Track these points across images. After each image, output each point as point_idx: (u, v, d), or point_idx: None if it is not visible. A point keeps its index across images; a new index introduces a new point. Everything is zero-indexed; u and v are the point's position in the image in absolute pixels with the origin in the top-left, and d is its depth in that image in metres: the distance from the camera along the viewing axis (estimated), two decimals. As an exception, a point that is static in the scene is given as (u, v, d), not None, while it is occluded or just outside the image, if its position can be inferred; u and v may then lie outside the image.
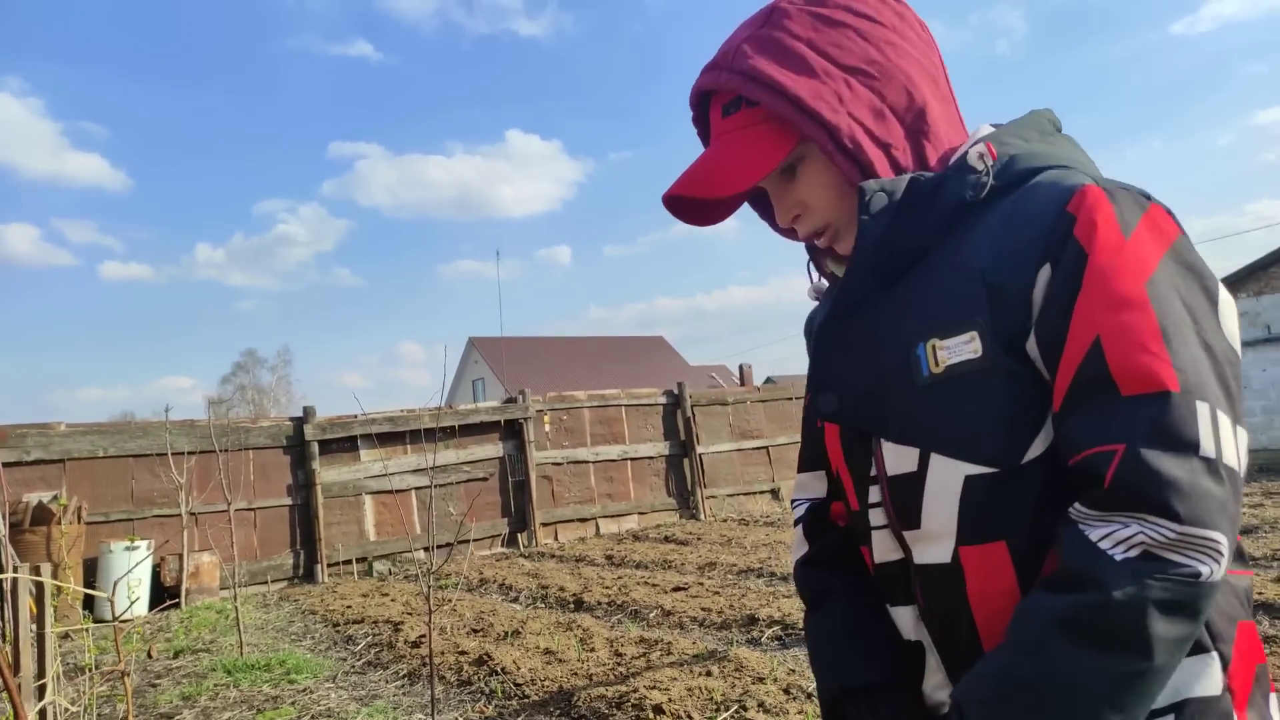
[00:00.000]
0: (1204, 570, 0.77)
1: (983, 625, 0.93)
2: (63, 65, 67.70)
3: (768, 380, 27.32)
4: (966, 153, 0.96)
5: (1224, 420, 0.81)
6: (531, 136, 69.06)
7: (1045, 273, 0.87)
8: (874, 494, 1.01)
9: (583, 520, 12.25)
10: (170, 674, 5.99)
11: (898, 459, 0.97)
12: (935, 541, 0.95)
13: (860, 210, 0.95)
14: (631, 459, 12.81)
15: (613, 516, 12.47)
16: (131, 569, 3.90)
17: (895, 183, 0.96)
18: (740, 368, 15.98)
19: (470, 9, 67.01)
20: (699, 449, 13.20)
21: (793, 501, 1.26)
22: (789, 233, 1.13)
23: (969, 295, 0.91)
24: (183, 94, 68.58)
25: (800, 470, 1.24)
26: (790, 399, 14.41)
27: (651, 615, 6.35)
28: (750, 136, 1.01)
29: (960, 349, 0.91)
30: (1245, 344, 13.37)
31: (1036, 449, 0.89)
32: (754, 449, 13.88)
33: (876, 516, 1.02)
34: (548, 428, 12.18)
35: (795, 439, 14.84)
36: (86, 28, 67.20)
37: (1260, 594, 5.08)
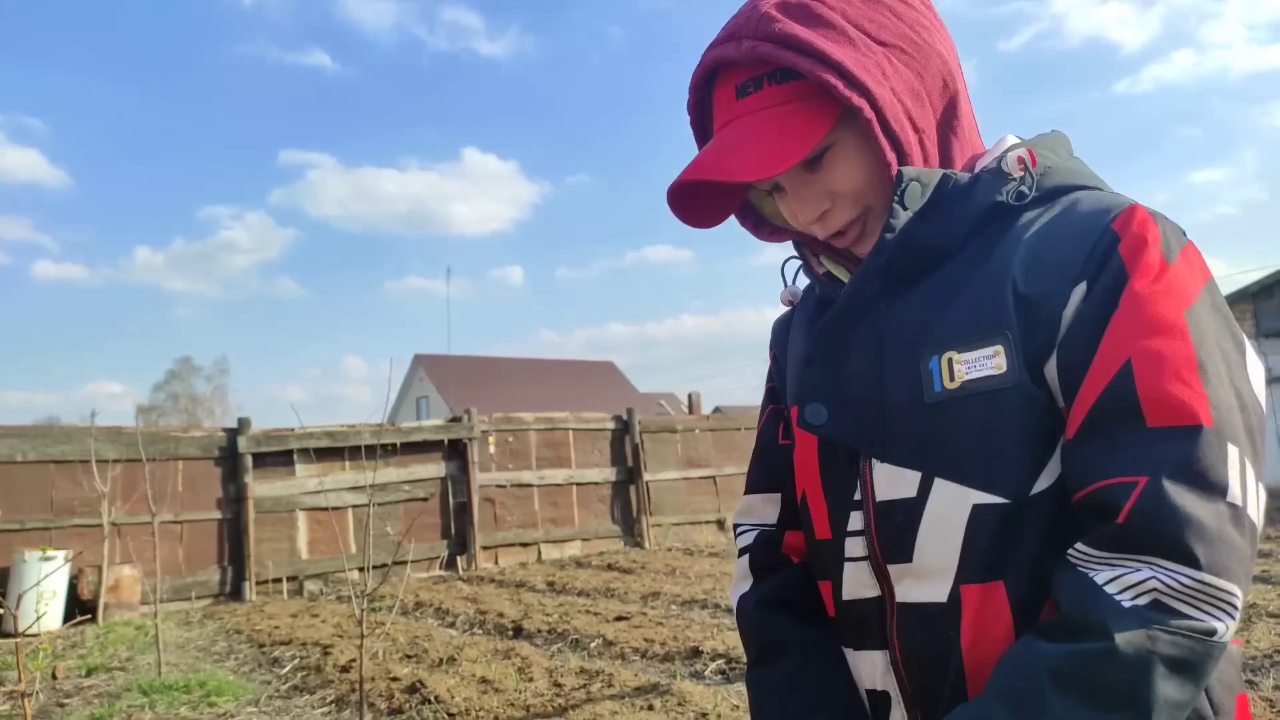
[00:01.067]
0: (1219, 627, 0.70)
1: (971, 675, 0.83)
2: (1, 55, 65.88)
3: (716, 410, 27.39)
4: (1004, 157, 0.89)
5: (1250, 470, 0.74)
6: (489, 156, 68.87)
7: (1080, 290, 0.80)
8: (855, 520, 0.91)
9: (525, 545, 12.02)
10: (81, 693, 5.66)
11: (893, 483, 0.87)
12: (929, 577, 0.85)
13: (895, 198, 0.86)
14: (577, 484, 12.64)
15: (556, 542, 12.27)
16: (39, 581, 3.64)
17: (930, 174, 0.88)
18: (689, 396, 15.94)
19: (431, 26, 66.91)
20: (646, 476, 13.09)
21: (736, 527, 1.14)
22: (774, 235, 1.04)
23: (996, 306, 0.83)
24: (129, 93, 67.13)
25: (749, 491, 1.13)
26: (739, 429, 14.39)
27: (593, 645, 6.18)
28: (777, 115, 0.88)
29: (982, 364, 0.82)
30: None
31: (1044, 482, 0.81)
32: (701, 478, 13.80)
33: (855, 546, 0.92)
34: (492, 449, 11.96)
35: (742, 469, 14.79)
36: (30, 19, 65.54)
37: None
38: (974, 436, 0.82)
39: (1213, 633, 0.69)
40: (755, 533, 1.09)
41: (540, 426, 12.52)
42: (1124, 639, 0.69)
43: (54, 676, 6.03)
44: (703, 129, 0.99)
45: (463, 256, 70.10)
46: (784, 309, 1.13)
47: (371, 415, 10.77)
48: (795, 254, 1.05)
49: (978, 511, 0.82)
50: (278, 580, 10.14)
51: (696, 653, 5.65)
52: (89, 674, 6.22)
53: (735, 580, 1.11)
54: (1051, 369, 0.81)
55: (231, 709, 5.13)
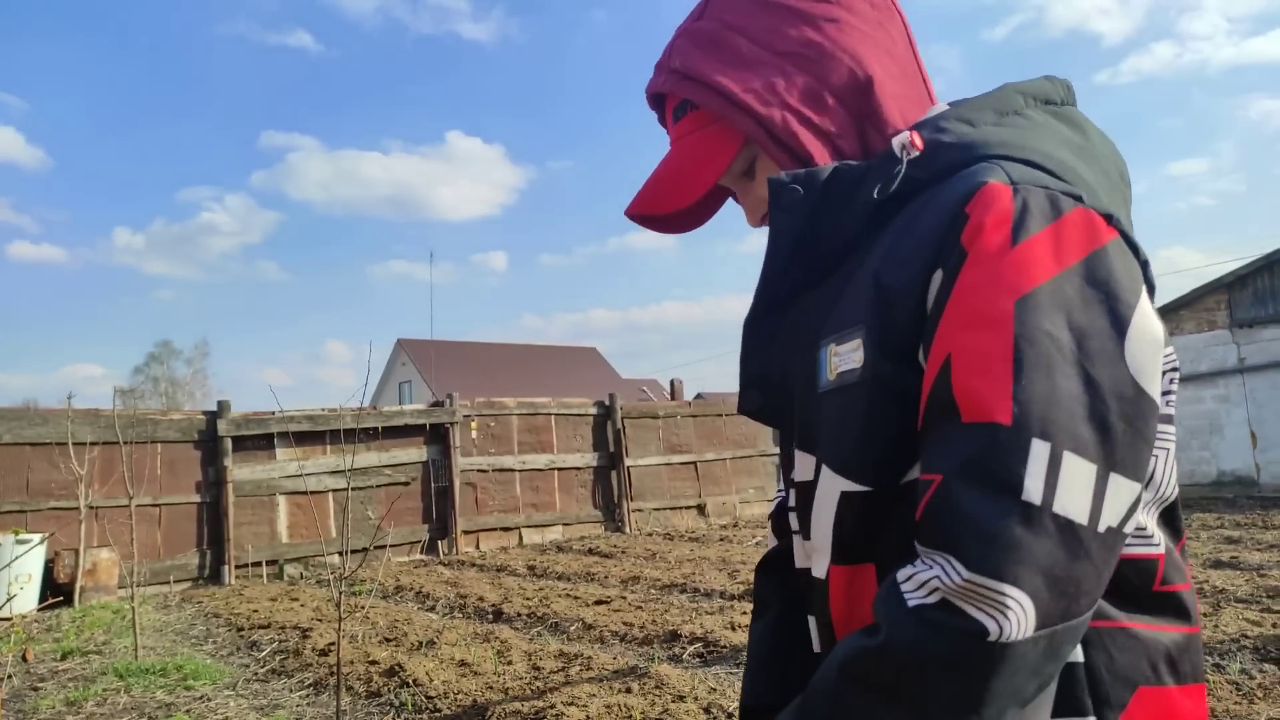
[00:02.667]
0: (990, 628, 0.66)
1: None
2: (-19, 33, 64.68)
3: (698, 396, 27.43)
4: (895, 142, 0.85)
5: (1079, 465, 0.69)
6: (473, 139, 68.40)
7: (938, 278, 0.77)
8: (791, 498, 0.96)
9: (506, 529, 12.04)
10: (56, 677, 5.63)
11: (802, 465, 0.91)
12: (817, 555, 0.89)
13: (770, 204, 0.91)
14: (559, 469, 12.65)
15: (537, 526, 12.29)
16: (10, 562, 3.61)
17: (816, 173, 0.89)
18: (671, 382, 15.96)
19: (415, 7, 66.28)
20: (627, 461, 13.11)
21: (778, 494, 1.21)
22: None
23: (861, 299, 0.83)
24: (109, 71, 66.21)
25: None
26: (720, 415, 14.43)
27: (572, 628, 6.21)
28: (700, 140, 0.97)
29: (849, 357, 0.83)
30: (1157, 382, 13.84)
31: (916, 471, 0.79)
32: (682, 464, 13.84)
33: (792, 521, 0.97)
34: (474, 434, 11.94)
35: (723, 455, 15.08)
36: (9, -3, 64.35)
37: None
38: (842, 426, 0.84)
39: (984, 633, 0.66)
40: (778, 500, 1.14)
41: (522, 411, 12.51)
42: (894, 636, 0.69)
43: (24, 659, 5.99)
44: None
45: (446, 241, 69.82)
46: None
47: (353, 399, 10.72)
48: None
49: (844, 498, 0.83)
50: (257, 564, 10.10)
51: (675, 636, 5.68)
52: (64, 657, 6.19)
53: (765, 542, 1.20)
54: (923, 359, 0.79)
55: (208, 692, 5.11)
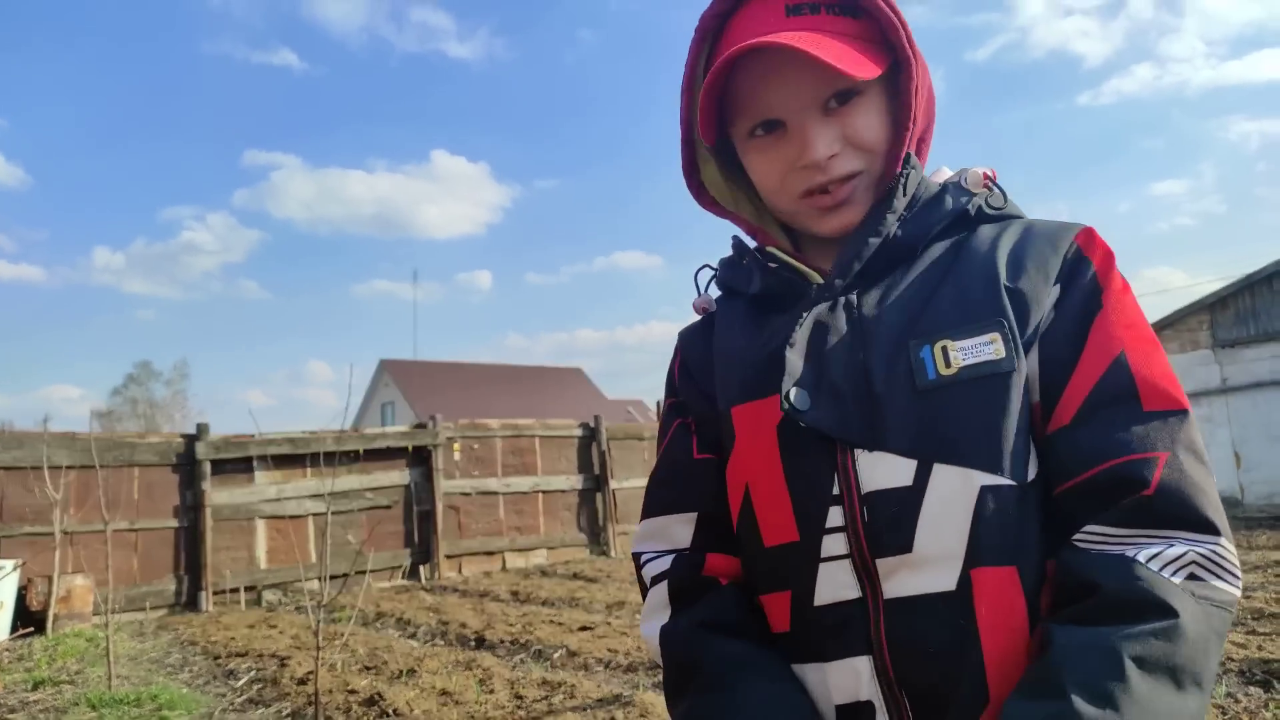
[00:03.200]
0: (1237, 593, 0.75)
1: (993, 665, 0.79)
2: (-39, 53, 64.40)
3: (683, 417, 27.33)
4: (963, 174, 0.96)
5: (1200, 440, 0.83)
6: (458, 158, 68.37)
7: (1056, 291, 0.87)
8: (834, 516, 0.86)
9: (489, 553, 11.92)
10: (26, 708, 5.49)
11: (884, 472, 0.84)
12: (930, 566, 0.82)
13: (898, 181, 0.92)
14: (543, 491, 12.56)
15: (520, 550, 12.18)
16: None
17: (920, 173, 0.94)
18: (658, 403, 15.92)
19: (400, 26, 66.42)
20: (613, 484, 13.03)
21: (640, 555, 1.03)
22: (714, 207, 1.06)
23: (990, 299, 0.87)
24: (90, 90, 65.91)
25: (655, 514, 1.03)
26: (705, 437, 14.37)
27: (556, 655, 6.12)
28: (839, 40, 0.89)
29: (980, 349, 0.84)
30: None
31: (1033, 469, 0.83)
32: (667, 486, 13.76)
33: (834, 544, 0.86)
34: (457, 456, 11.85)
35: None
36: (-9, 17, 64.15)
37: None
38: (976, 420, 0.83)
39: (1235, 600, 0.75)
40: (670, 557, 0.99)
41: (506, 433, 12.43)
42: (1189, 616, 0.71)
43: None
44: (707, 50, 0.97)
45: (430, 260, 69.73)
46: (696, 319, 1.13)
47: (335, 421, 10.62)
48: (732, 252, 1.07)
49: (986, 493, 0.81)
50: (235, 590, 9.94)
51: (660, 664, 5.61)
52: (35, 688, 6.04)
53: (648, 611, 0.98)
54: (1033, 360, 0.85)
55: (183, 723, 5.00)
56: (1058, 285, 0.88)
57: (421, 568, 11.26)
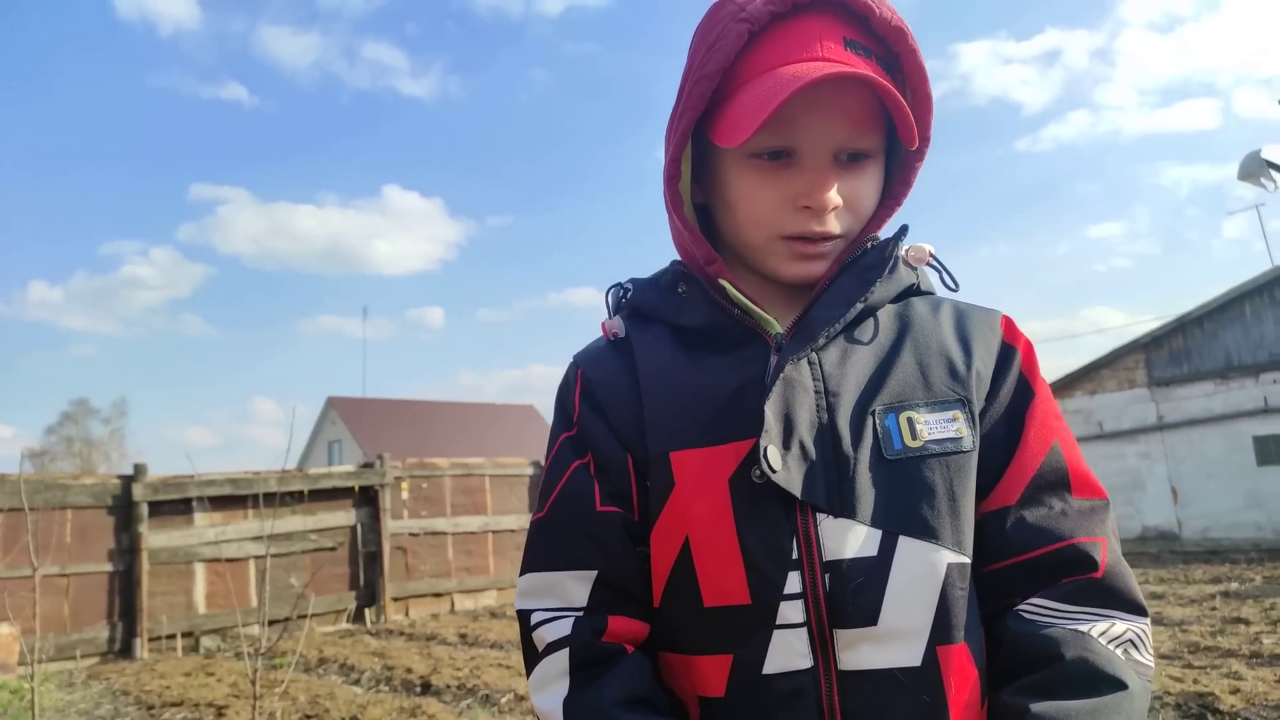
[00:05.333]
0: (1154, 667, 0.86)
1: None
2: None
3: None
4: (912, 248, 0.98)
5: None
6: (411, 194, 67.91)
7: (992, 374, 0.92)
8: (792, 583, 0.81)
9: (438, 595, 11.70)
10: (-58, 766, 5.22)
11: (849, 540, 0.81)
12: (895, 641, 0.80)
13: (885, 249, 0.95)
14: (493, 531, 12.40)
15: (470, 592, 11.98)
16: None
17: (897, 247, 0.97)
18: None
19: (352, 62, 65.93)
20: (563, 523, 12.89)
21: (530, 614, 0.91)
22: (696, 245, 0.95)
23: (950, 377, 0.90)
24: (28, 120, 64.38)
25: (548, 567, 0.91)
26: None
27: (504, 700, 6.01)
28: (886, 86, 0.85)
29: (944, 425, 0.87)
30: (1080, 440, 14.27)
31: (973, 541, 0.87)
32: (618, 524, 13.67)
33: (791, 611, 0.81)
34: (405, 495, 11.66)
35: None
36: (-70, 46, 62.57)
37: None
38: (942, 495, 0.84)
39: (1153, 672, 0.83)
40: (570, 620, 0.88)
41: (456, 472, 12.27)
42: (1135, 687, 0.79)
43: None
44: (730, 53, 0.88)
45: (381, 296, 68.80)
46: (591, 344, 1.02)
47: (280, 460, 10.41)
48: (680, 280, 0.97)
49: (953, 570, 0.83)
50: (172, 636, 9.61)
51: (609, 706, 5.53)
52: (-46, 743, 5.76)
53: (544, 680, 0.87)
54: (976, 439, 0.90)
55: (111, 779, 4.79)
56: (994, 369, 0.92)
57: (367, 611, 11.00)
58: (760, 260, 0.94)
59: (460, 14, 65.42)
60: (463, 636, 9.21)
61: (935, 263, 0.98)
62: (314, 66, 62.54)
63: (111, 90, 63.48)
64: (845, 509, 0.82)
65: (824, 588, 0.81)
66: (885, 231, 1.00)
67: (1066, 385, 14.74)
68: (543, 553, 0.93)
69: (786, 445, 0.84)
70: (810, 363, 0.89)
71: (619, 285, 1.02)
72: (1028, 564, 0.85)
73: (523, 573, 0.95)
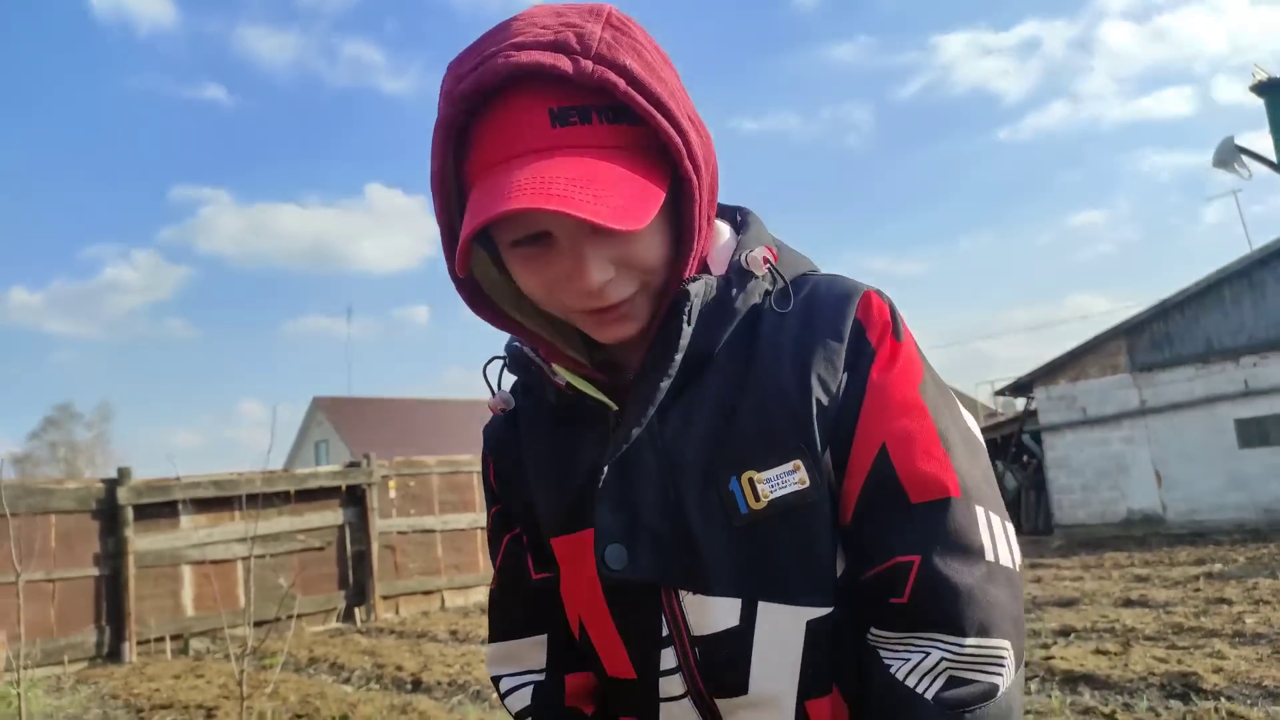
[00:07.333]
0: (999, 683, 0.75)
1: None
2: None
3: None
4: (745, 256, 0.85)
5: (995, 520, 0.81)
6: (394, 191, 67.73)
7: (843, 381, 0.83)
8: (667, 658, 0.84)
9: (427, 593, 11.70)
10: (-71, 775, 5.19)
11: (711, 614, 0.82)
12: (767, 706, 0.82)
13: (681, 307, 0.81)
14: (482, 528, 12.37)
15: (459, 589, 11.98)
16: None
17: (710, 280, 0.83)
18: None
19: (332, 61, 65.84)
20: (551, 518, 12.91)
21: (499, 680, 0.99)
22: (486, 311, 0.87)
23: (785, 419, 0.81)
24: (3, 124, 63.86)
25: (504, 637, 0.99)
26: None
27: (494, 696, 6.01)
28: (619, 161, 0.74)
29: (784, 479, 0.80)
30: (1065, 426, 14.41)
31: (839, 568, 0.83)
32: (607, 519, 13.69)
33: (671, 685, 0.84)
34: (393, 494, 11.64)
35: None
36: (-97, 50, 61.81)
37: (1081, 665, 5.28)
38: (791, 553, 0.81)
39: (995, 690, 0.75)
40: (530, 688, 0.95)
41: (443, 470, 12.26)
42: None
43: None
44: (455, 152, 0.78)
45: (367, 295, 68.67)
46: (494, 416, 1.01)
47: (265, 462, 10.38)
48: (508, 356, 0.93)
49: (812, 627, 0.81)
50: (160, 639, 9.58)
51: (599, 700, 5.55)
52: (-59, 751, 5.73)
53: None
54: (828, 462, 0.82)
55: (101, 783, 4.78)
56: (845, 373, 0.82)
57: (356, 610, 10.99)
58: (578, 326, 0.85)
59: (439, 11, 65.15)
60: (453, 633, 9.21)
61: (773, 271, 0.86)
62: (293, 65, 62.34)
63: (89, 92, 63.05)
64: (703, 584, 0.82)
65: (695, 661, 0.83)
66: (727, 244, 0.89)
67: (1050, 373, 14.81)
68: (498, 624, 1.01)
69: (633, 533, 0.83)
70: (651, 433, 0.84)
71: (496, 358, 0.96)
72: (863, 589, 0.80)
73: (488, 641, 1.03)
